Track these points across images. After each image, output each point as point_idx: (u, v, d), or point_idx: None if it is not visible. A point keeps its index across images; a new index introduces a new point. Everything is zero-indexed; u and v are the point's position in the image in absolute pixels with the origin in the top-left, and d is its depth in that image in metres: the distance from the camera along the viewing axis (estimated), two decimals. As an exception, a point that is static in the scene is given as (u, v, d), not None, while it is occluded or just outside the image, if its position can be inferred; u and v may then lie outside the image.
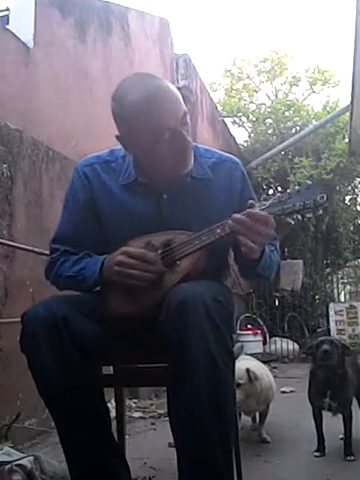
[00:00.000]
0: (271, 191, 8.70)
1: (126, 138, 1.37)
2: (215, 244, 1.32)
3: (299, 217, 8.77)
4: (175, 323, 1.18)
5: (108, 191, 1.46)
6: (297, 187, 1.31)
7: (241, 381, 2.42)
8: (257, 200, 1.36)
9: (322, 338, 2.37)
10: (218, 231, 1.30)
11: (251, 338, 6.12)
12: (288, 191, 1.31)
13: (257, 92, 11.00)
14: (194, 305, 1.17)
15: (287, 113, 9.33)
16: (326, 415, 2.33)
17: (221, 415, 1.17)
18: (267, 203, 1.30)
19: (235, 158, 1.57)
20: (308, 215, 8.49)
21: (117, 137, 1.39)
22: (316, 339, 2.43)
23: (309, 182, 6.96)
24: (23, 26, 3.06)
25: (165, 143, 1.32)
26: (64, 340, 1.23)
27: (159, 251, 1.35)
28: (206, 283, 1.29)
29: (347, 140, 7.59)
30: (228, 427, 1.20)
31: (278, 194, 1.32)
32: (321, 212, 8.61)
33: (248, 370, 2.47)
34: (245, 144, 9.70)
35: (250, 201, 1.30)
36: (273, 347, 6.70)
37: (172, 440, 1.23)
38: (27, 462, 1.71)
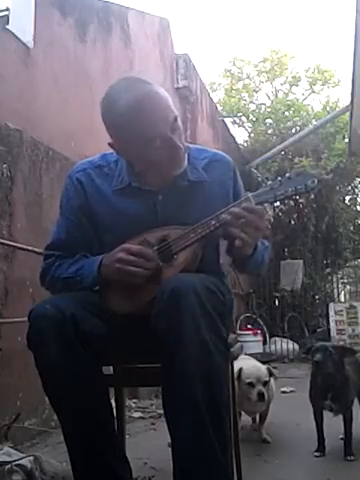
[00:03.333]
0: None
1: (118, 145, 1.39)
2: (210, 237, 1.34)
3: (297, 213, 8.78)
4: (167, 312, 1.19)
5: (102, 195, 1.47)
6: (288, 174, 1.34)
7: (267, 379, 2.48)
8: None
9: (317, 345, 2.31)
10: (213, 222, 1.33)
11: (251, 338, 6.12)
12: (279, 178, 1.34)
13: (257, 92, 11.03)
14: (186, 293, 1.19)
15: (287, 113, 9.34)
16: (326, 415, 2.33)
17: (215, 399, 1.18)
18: (259, 191, 1.32)
19: (227, 157, 1.57)
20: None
21: (110, 144, 1.41)
22: (314, 342, 2.41)
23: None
24: (23, 26, 3.06)
25: (156, 150, 1.33)
26: (72, 338, 1.24)
27: (155, 247, 1.36)
28: (199, 274, 1.31)
29: (347, 140, 7.60)
30: (222, 412, 1.21)
31: (269, 182, 1.34)
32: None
33: (269, 368, 2.56)
34: (245, 144, 9.70)
35: (247, 194, 1.33)
36: (273, 347, 6.70)
37: (173, 440, 1.23)
38: (27, 462, 1.71)
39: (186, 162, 1.44)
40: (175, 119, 1.35)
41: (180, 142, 1.36)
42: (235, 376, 2.31)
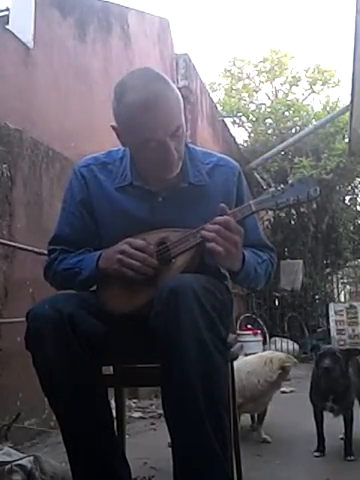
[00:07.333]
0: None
1: (118, 131, 1.40)
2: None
3: (297, 213, 8.78)
4: (166, 312, 1.18)
5: (104, 191, 1.47)
6: (290, 181, 1.32)
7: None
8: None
9: (325, 349, 2.31)
10: None
11: (251, 338, 6.12)
12: (281, 186, 1.32)
13: (257, 92, 10.99)
14: (184, 293, 1.18)
15: (287, 113, 9.32)
16: (326, 415, 2.33)
17: (214, 399, 1.17)
18: (260, 198, 1.31)
19: (233, 162, 1.56)
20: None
21: (112, 127, 1.40)
22: (314, 342, 2.39)
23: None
24: (23, 26, 3.06)
25: (149, 150, 1.33)
26: (70, 338, 1.23)
27: (154, 250, 1.35)
28: (197, 274, 1.30)
29: (347, 140, 7.59)
30: (222, 412, 1.20)
31: (271, 189, 1.33)
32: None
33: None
34: (245, 144, 9.69)
35: (221, 204, 1.30)
36: (273, 347, 6.69)
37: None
38: (27, 462, 1.71)
39: (179, 168, 1.42)
40: (178, 127, 1.33)
41: (176, 150, 1.35)
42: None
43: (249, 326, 6.65)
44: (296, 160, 8.12)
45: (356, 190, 10.15)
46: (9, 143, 2.66)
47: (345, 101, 7.95)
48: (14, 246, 2.61)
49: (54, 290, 1.52)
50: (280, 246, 8.49)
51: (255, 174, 7.93)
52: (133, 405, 3.42)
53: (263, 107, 10.23)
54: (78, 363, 1.24)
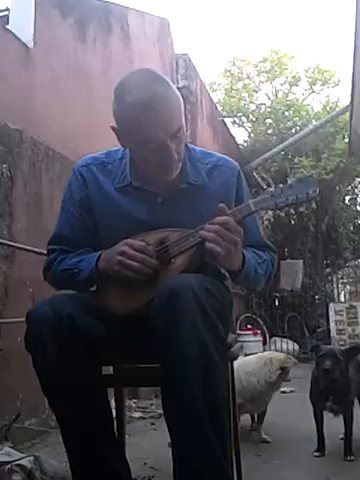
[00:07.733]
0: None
1: (119, 131, 1.39)
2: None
3: (297, 213, 8.79)
4: (165, 312, 1.18)
5: (103, 191, 1.47)
6: (289, 181, 1.32)
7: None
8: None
9: (326, 350, 2.31)
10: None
11: (251, 338, 6.12)
12: (280, 186, 1.32)
13: (257, 92, 11.01)
14: (184, 293, 1.18)
15: (287, 113, 9.34)
16: (326, 415, 2.33)
17: (214, 399, 1.17)
18: (260, 198, 1.31)
19: (233, 162, 1.56)
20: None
21: (112, 128, 1.40)
22: (319, 347, 2.36)
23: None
24: (23, 26, 3.06)
25: (150, 151, 1.33)
26: (69, 338, 1.24)
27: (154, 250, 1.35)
28: (197, 274, 1.30)
29: (347, 140, 7.60)
30: (221, 411, 1.20)
31: (271, 189, 1.33)
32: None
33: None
34: (245, 144, 9.70)
35: (220, 205, 1.29)
36: (273, 347, 6.69)
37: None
38: (27, 462, 1.71)
39: (178, 170, 1.42)
40: (179, 129, 1.33)
41: (176, 151, 1.35)
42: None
43: (249, 326, 6.65)
44: (296, 160, 8.12)
45: (356, 190, 10.16)
46: (9, 143, 2.66)
47: (345, 101, 7.98)
48: (14, 246, 2.61)
49: (54, 290, 1.52)
50: (280, 246, 8.49)
51: (255, 174, 7.94)
52: (133, 405, 3.41)
53: (263, 107, 10.25)
54: (78, 363, 1.24)
